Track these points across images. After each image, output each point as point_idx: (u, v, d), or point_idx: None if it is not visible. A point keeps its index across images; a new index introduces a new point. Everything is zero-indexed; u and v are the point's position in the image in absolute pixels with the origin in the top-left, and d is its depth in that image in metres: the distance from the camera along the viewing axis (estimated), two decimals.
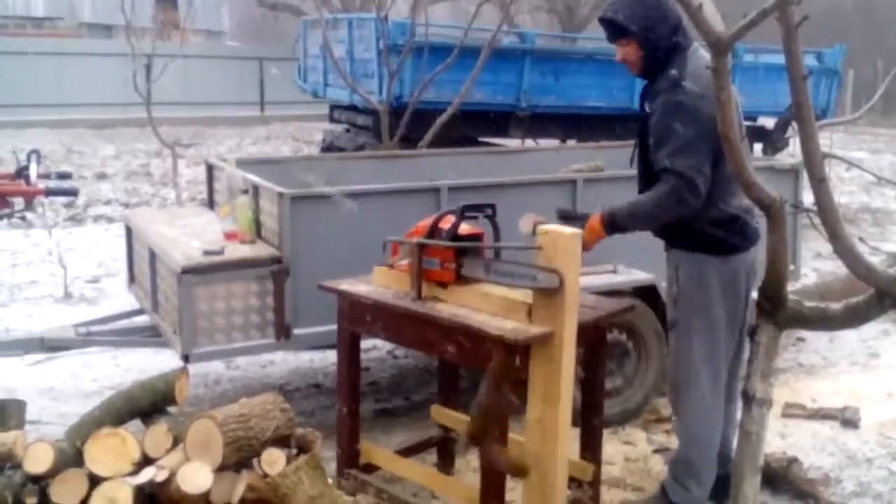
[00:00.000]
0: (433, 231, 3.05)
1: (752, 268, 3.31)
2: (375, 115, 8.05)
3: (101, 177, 12.41)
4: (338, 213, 3.94)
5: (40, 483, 2.62)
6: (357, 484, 3.34)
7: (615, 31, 3.22)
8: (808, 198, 3.25)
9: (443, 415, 3.71)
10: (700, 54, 3.15)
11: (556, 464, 2.84)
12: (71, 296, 6.54)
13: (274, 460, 2.72)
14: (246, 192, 4.21)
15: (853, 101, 13.46)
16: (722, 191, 3.12)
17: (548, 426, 2.82)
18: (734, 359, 3.39)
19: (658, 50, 3.18)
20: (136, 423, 3.05)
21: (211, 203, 5.10)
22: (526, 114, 9.38)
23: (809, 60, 10.12)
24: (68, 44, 21.55)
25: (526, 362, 2.84)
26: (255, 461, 2.76)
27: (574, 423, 2.95)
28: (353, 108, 9.64)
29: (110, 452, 2.64)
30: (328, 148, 10.07)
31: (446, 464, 3.76)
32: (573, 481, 3.19)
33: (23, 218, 5.66)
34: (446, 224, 3.05)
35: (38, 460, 2.62)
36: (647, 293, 4.23)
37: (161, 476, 2.59)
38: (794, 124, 2.96)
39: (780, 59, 2.83)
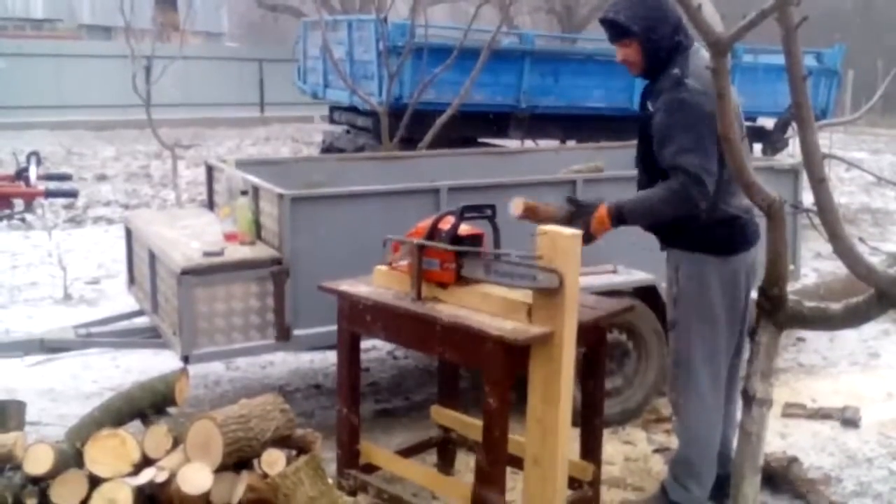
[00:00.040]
0: (433, 232, 3.05)
1: (752, 268, 3.31)
2: (375, 116, 8.05)
3: (101, 178, 12.41)
4: (337, 214, 3.95)
5: (40, 484, 2.62)
6: (357, 484, 3.35)
7: (616, 31, 3.22)
8: (807, 198, 3.25)
9: (443, 415, 3.71)
10: (702, 54, 3.15)
11: (556, 464, 2.84)
12: (71, 297, 6.54)
13: (274, 461, 2.72)
14: (246, 193, 4.21)
15: (853, 101, 13.46)
16: (722, 191, 3.12)
17: (548, 426, 2.82)
18: (734, 359, 3.39)
19: (660, 50, 3.17)
20: (136, 424, 3.05)
21: (211, 204, 5.10)
22: (525, 114, 9.38)
23: (809, 61, 10.12)
24: (68, 45, 21.58)
25: (526, 362, 2.84)
26: (255, 462, 2.76)
27: (574, 423, 2.95)
28: (352, 109, 9.64)
29: (110, 453, 2.65)
30: (328, 149, 10.08)
31: (446, 464, 3.76)
32: (573, 481, 3.19)
33: (22, 219, 5.65)
34: (446, 225, 3.05)
35: (38, 461, 2.62)
36: (647, 293, 4.23)
37: (161, 477, 2.59)
38: (794, 124, 2.96)
39: (779, 59, 2.84)
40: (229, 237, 4.15)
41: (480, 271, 2.95)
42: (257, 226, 4.17)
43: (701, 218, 3.13)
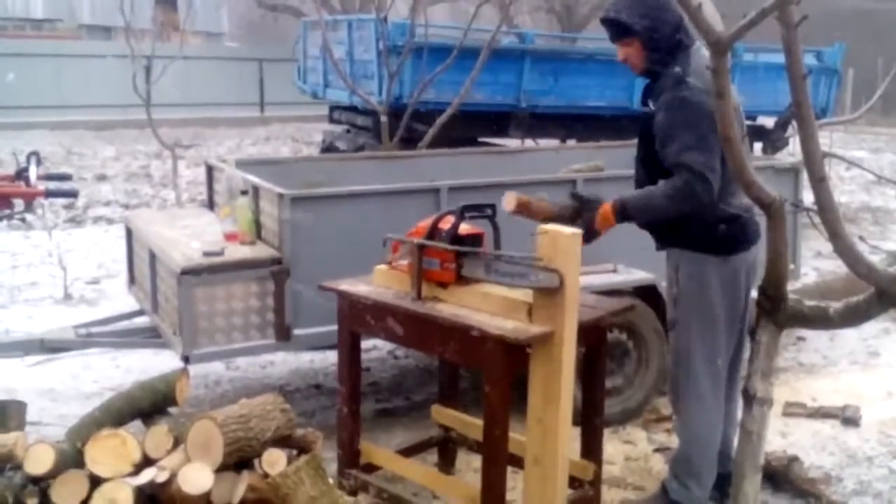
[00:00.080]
0: (433, 231, 3.05)
1: (752, 267, 3.31)
2: (375, 115, 8.05)
3: (101, 178, 12.41)
4: (337, 214, 3.95)
5: (41, 484, 2.62)
6: (358, 484, 3.35)
7: (618, 30, 3.21)
8: (808, 197, 3.25)
9: (443, 415, 3.71)
10: (703, 53, 3.14)
11: (556, 463, 2.84)
12: (71, 297, 6.54)
13: (275, 461, 2.72)
14: (246, 192, 4.21)
15: (853, 100, 13.45)
16: (722, 190, 3.11)
17: (548, 426, 2.82)
18: (734, 358, 3.39)
19: (661, 49, 3.17)
20: (136, 424, 3.06)
21: (211, 204, 5.10)
22: (525, 114, 9.38)
23: (809, 59, 10.11)
24: (68, 45, 21.59)
25: (526, 362, 2.84)
26: (255, 462, 2.76)
27: (575, 423, 2.95)
28: (352, 108, 9.64)
29: (111, 453, 2.65)
30: (328, 149, 10.08)
31: (447, 463, 3.76)
32: (574, 481, 3.19)
33: (23, 219, 5.66)
34: (446, 224, 3.05)
35: (38, 461, 2.62)
36: (647, 293, 4.23)
37: (162, 477, 2.59)
38: (794, 123, 2.96)
39: (779, 58, 2.83)
40: (229, 237, 4.15)
41: (481, 271, 2.95)
42: (257, 225, 4.17)
43: (702, 217, 3.13)
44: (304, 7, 19.22)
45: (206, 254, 3.87)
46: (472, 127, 9.19)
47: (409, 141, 7.38)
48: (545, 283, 2.74)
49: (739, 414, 3.27)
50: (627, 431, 4.29)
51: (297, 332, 3.93)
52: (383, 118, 7.47)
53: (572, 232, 2.78)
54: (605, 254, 3.92)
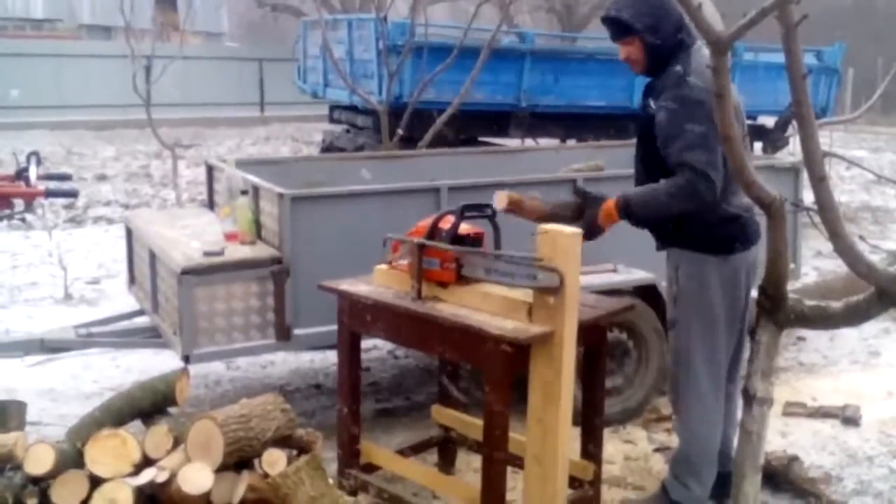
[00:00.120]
0: (433, 231, 3.05)
1: (752, 267, 3.31)
2: (375, 115, 8.05)
3: (101, 178, 12.42)
4: (337, 214, 3.95)
5: (41, 484, 2.62)
6: (358, 484, 3.35)
7: (619, 29, 3.21)
8: (808, 196, 3.25)
9: (443, 415, 3.71)
10: (703, 52, 3.13)
11: (556, 463, 2.84)
12: (71, 297, 6.54)
13: (275, 461, 2.72)
14: (246, 192, 4.21)
15: (853, 99, 13.46)
16: (723, 189, 3.11)
17: (548, 425, 2.82)
18: (734, 357, 3.39)
19: (662, 48, 3.16)
20: (136, 424, 3.05)
21: (211, 204, 5.10)
22: (526, 113, 9.38)
23: (809, 59, 10.12)
24: (68, 45, 21.60)
25: (526, 361, 2.84)
26: (255, 462, 2.76)
27: (575, 423, 2.95)
28: (352, 108, 9.64)
29: (111, 453, 2.65)
30: (328, 148, 10.08)
31: (447, 463, 3.76)
32: (574, 480, 3.19)
33: (23, 219, 5.66)
34: (446, 224, 3.05)
35: (38, 461, 2.62)
36: (647, 292, 4.22)
37: (162, 477, 2.59)
38: (794, 123, 2.96)
39: (779, 57, 2.83)
40: (229, 237, 4.15)
41: (481, 271, 2.95)
42: (257, 225, 4.17)
43: (702, 216, 3.13)
44: (304, 7, 19.22)
45: (207, 254, 3.87)
46: (472, 127, 9.20)
47: (409, 140, 7.37)
48: (545, 283, 2.74)
49: (739, 413, 3.26)
50: (627, 431, 4.29)
51: (297, 331, 3.93)
52: (383, 118, 7.46)
53: (572, 232, 2.78)
54: (605, 254, 3.92)
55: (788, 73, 2.62)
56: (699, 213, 3.12)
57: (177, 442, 2.73)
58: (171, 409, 3.18)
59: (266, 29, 27.56)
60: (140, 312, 4.66)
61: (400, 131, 7.26)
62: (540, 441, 2.85)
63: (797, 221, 4.88)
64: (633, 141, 3.47)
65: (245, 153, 15.33)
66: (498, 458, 2.90)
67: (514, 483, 3.36)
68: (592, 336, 3.18)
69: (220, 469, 2.63)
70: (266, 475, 2.69)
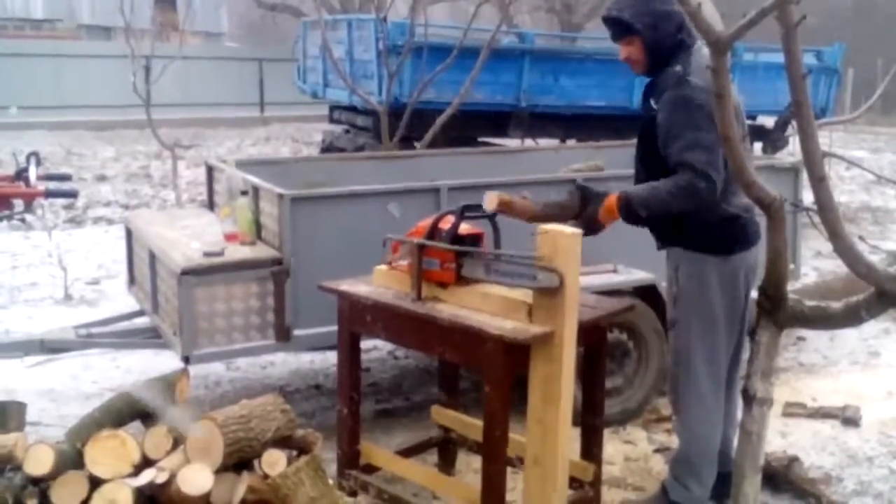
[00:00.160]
0: (433, 231, 3.05)
1: (752, 267, 3.30)
2: (375, 115, 8.05)
3: (101, 178, 12.41)
4: (337, 214, 3.96)
5: (41, 485, 2.62)
6: (358, 484, 3.34)
7: (620, 29, 3.21)
8: (807, 197, 3.24)
9: (443, 415, 3.71)
10: (704, 52, 3.13)
11: (556, 464, 2.83)
12: (71, 297, 6.54)
13: (275, 461, 2.72)
14: (246, 193, 4.20)
15: (853, 99, 13.46)
16: (723, 190, 3.11)
17: (548, 426, 2.82)
18: (734, 358, 3.39)
19: (663, 48, 3.16)
20: (136, 425, 3.05)
21: (211, 204, 5.10)
22: (525, 113, 9.38)
23: (809, 59, 10.12)
24: (67, 45, 21.60)
25: (526, 362, 2.84)
26: (255, 462, 2.76)
27: (574, 423, 2.95)
28: (352, 108, 9.64)
29: (110, 454, 2.64)
30: (328, 149, 10.08)
31: (447, 464, 3.75)
32: (574, 481, 3.19)
33: (22, 220, 5.65)
34: (446, 224, 3.05)
35: (38, 462, 2.62)
36: (647, 293, 4.22)
37: (161, 478, 2.59)
38: (794, 123, 2.96)
39: (779, 58, 2.83)
40: (229, 237, 4.15)
41: (480, 271, 2.95)
42: (257, 226, 4.17)
43: (702, 216, 3.13)
44: (304, 7, 19.22)
45: (207, 254, 3.87)
46: (472, 127, 9.19)
47: (409, 141, 7.37)
48: (545, 283, 2.74)
49: (739, 414, 3.26)
50: (627, 432, 4.28)
51: (297, 332, 3.93)
52: (383, 118, 7.46)
53: (572, 232, 2.78)
54: (605, 254, 3.92)
55: (788, 73, 2.62)
56: (699, 213, 3.11)
57: (176, 443, 2.73)
58: None
59: (266, 29, 27.53)
60: (140, 313, 4.65)
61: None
62: (540, 442, 2.85)
63: (797, 222, 4.88)
64: (634, 141, 3.47)
65: (245, 153, 15.32)
66: (498, 459, 2.90)
67: (514, 484, 3.35)
68: (592, 336, 3.18)
69: (220, 470, 2.63)
70: (266, 476, 2.69)
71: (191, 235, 4.27)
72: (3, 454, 2.68)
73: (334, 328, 3.40)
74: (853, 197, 11.80)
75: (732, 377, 3.43)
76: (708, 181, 3.01)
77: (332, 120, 10.85)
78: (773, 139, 10.27)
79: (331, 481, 2.84)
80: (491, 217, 3.15)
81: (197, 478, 2.57)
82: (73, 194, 5.15)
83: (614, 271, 4.14)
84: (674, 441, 3.77)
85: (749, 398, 3.10)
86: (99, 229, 9.23)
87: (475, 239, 3.11)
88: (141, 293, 4.61)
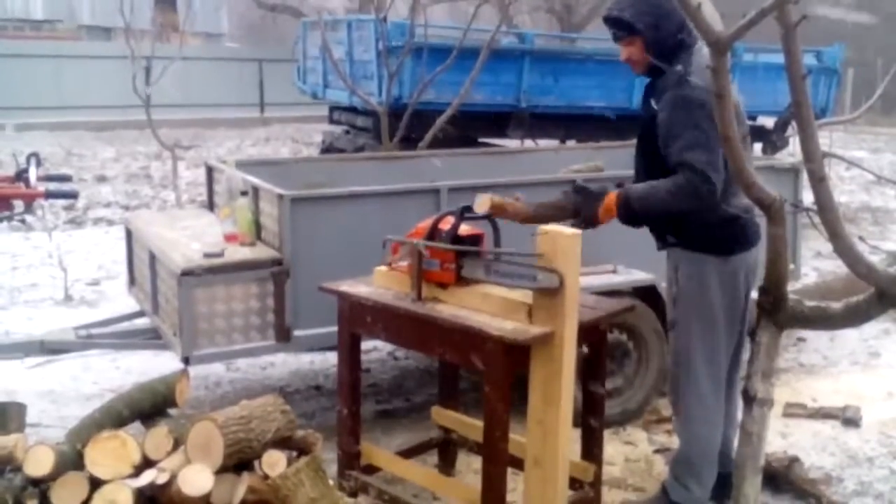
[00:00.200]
0: (433, 232, 3.05)
1: (752, 268, 3.30)
2: (375, 116, 8.05)
3: (101, 179, 12.41)
4: (337, 215, 3.96)
5: (41, 486, 2.62)
6: (358, 485, 3.34)
7: (620, 29, 3.20)
8: (807, 197, 3.24)
9: (443, 416, 3.71)
10: (704, 52, 3.12)
11: (556, 464, 2.83)
12: (71, 298, 6.54)
13: (275, 462, 2.72)
14: (246, 193, 4.20)
15: (853, 99, 13.46)
16: (723, 190, 3.11)
17: (548, 427, 2.82)
18: (734, 358, 3.39)
19: (664, 48, 3.16)
20: (136, 426, 3.05)
21: (211, 205, 5.10)
22: (525, 114, 9.38)
23: (809, 59, 10.12)
24: (67, 46, 21.59)
25: (526, 362, 2.84)
26: (255, 463, 2.76)
27: (575, 424, 2.95)
28: (352, 109, 9.64)
29: (111, 455, 2.64)
30: (328, 149, 10.08)
31: (447, 465, 3.75)
32: (574, 482, 3.19)
33: (23, 221, 5.65)
34: (446, 225, 3.05)
35: (38, 463, 2.62)
36: (647, 293, 4.22)
37: (162, 478, 2.58)
38: (794, 123, 2.95)
39: (779, 58, 2.83)
40: (229, 238, 4.15)
41: (480, 271, 2.95)
42: (257, 226, 4.17)
43: (702, 217, 3.13)
44: (304, 7, 19.22)
45: (207, 255, 3.87)
46: (472, 127, 9.19)
47: (409, 141, 7.37)
48: (545, 284, 2.74)
49: (739, 415, 3.26)
50: (628, 432, 4.28)
51: (297, 333, 3.93)
52: (383, 119, 7.46)
53: (572, 232, 2.78)
54: (605, 254, 3.92)
55: (788, 73, 2.62)
56: (699, 214, 3.11)
57: (177, 443, 2.73)
58: (171, 411, 3.17)
59: (266, 30, 27.56)
60: (140, 314, 4.65)
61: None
62: (540, 442, 2.85)
63: (797, 222, 4.88)
64: (634, 142, 3.46)
65: (245, 154, 15.32)
66: (498, 460, 2.90)
67: (515, 484, 3.35)
68: (592, 337, 3.18)
69: (220, 470, 2.63)
70: (266, 476, 2.69)
71: (191, 236, 4.27)
72: (4, 455, 2.68)
73: (334, 329, 3.40)
74: (853, 197, 11.80)
75: (733, 378, 3.43)
76: (707, 181, 3.00)
77: (331, 121, 10.85)
78: (773, 139, 10.27)
79: (331, 482, 2.84)
80: (491, 217, 3.15)
81: (197, 478, 2.57)
82: (73, 195, 5.15)
83: (614, 272, 4.14)
84: (674, 442, 3.77)
85: (749, 399, 3.10)
86: (99, 230, 9.23)
87: (475, 239, 3.11)
88: (141, 294, 4.61)
